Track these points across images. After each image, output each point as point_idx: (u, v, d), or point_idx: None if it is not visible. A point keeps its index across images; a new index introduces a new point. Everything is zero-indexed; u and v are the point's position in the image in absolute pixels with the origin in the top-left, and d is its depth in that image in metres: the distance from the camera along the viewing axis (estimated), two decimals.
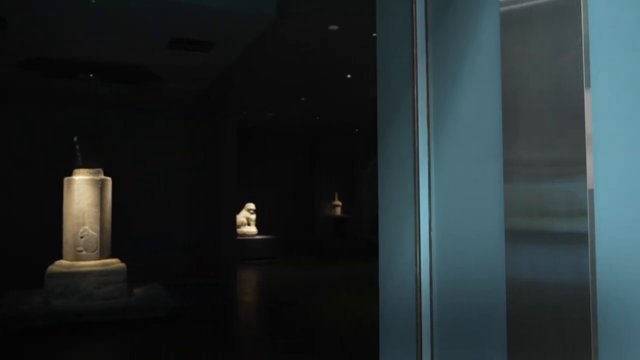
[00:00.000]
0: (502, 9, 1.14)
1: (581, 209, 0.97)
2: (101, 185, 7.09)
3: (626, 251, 1.05)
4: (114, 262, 7.04)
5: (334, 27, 5.66)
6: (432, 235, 1.41)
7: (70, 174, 7.15)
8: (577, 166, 0.98)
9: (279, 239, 13.27)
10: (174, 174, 10.06)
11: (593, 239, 0.97)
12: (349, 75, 7.97)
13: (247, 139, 14.14)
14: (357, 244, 14.85)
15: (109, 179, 7.28)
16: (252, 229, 13.44)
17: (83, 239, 6.90)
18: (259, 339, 6.06)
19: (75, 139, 7.15)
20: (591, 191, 0.97)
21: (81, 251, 6.90)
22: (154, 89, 8.01)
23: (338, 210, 16.10)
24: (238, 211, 13.19)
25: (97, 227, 6.99)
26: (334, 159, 15.94)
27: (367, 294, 7.42)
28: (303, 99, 9.99)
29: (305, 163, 15.75)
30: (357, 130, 14.19)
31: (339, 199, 16.11)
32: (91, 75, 7.25)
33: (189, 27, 5.09)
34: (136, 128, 9.90)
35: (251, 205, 13.60)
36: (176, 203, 10.02)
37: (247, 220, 13.48)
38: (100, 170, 7.23)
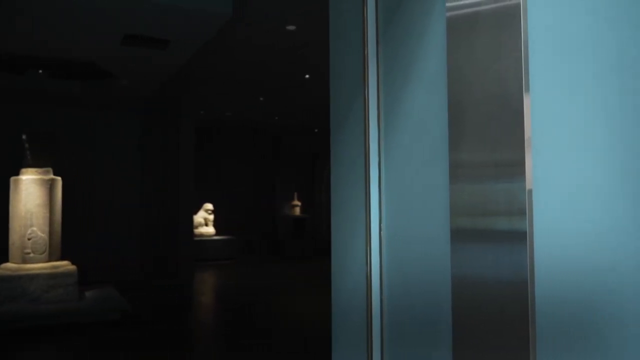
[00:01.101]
0: (449, 14, 1.17)
1: (521, 208, 1.01)
2: (50, 185, 6.85)
3: (563, 249, 1.09)
4: (64, 265, 6.82)
5: (291, 27, 5.66)
6: (382, 235, 1.42)
7: (17, 173, 6.88)
8: (517, 167, 1.02)
9: (237, 239, 13.16)
10: (129, 174, 9.82)
11: (532, 238, 1.00)
12: (307, 75, 7.98)
13: (205, 139, 13.96)
14: (316, 243, 14.89)
15: (59, 178, 7.05)
16: (210, 230, 13.28)
17: (31, 240, 6.66)
18: (216, 342, 5.99)
19: (23, 137, 6.88)
20: (530, 191, 1.01)
21: (29, 253, 6.65)
22: (108, 86, 7.80)
23: (297, 210, 16.10)
24: (196, 211, 13.01)
25: (46, 229, 6.75)
26: (294, 159, 15.93)
27: (326, 294, 7.46)
28: (262, 98, 9.94)
29: (265, 163, 15.67)
30: (316, 130, 14.23)
31: (299, 199, 16.11)
32: (40, 71, 6.99)
33: (143, 24, 4.99)
34: (89, 126, 9.62)
35: (209, 206, 13.44)
36: (131, 204, 9.79)
37: (204, 221, 13.31)
38: (50, 169, 6.99)
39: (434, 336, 1.25)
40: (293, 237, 15.52)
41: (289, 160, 15.91)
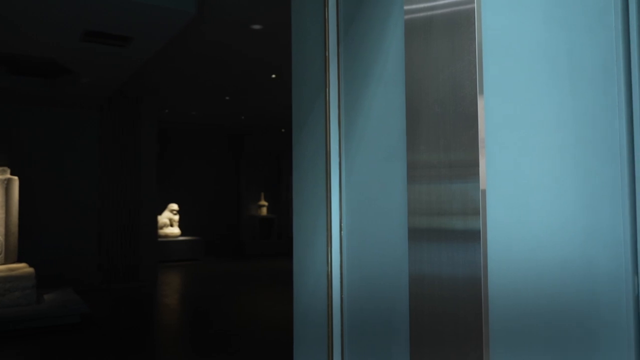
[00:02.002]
0: (406, 16, 1.19)
1: (474, 208, 1.03)
2: (7, 185, 6.63)
3: (516, 248, 1.13)
4: (21, 267, 6.61)
5: (257, 27, 5.64)
6: (342, 235, 1.44)
7: None
8: (470, 168, 1.04)
9: (203, 240, 13.02)
10: (89, 174, 9.59)
11: (485, 237, 1.03)
12: (273, 75, 7.96)
13: (170, 138, 13.75)
14: (283, 243, 14.86)
15: (16, 178, 6.83)
16: (175, 230, 13.09)
17: None
18: (178, 345, 5.91)
19: None
20: (483, 191, 1.03)
21: None
22: (67, 83, 7.60)
23: (264, 211, 16.03)
24: (160, 212, 12.80)
25: (2, 230, 6.53)
26: (260, 159, 15.86)
27: (291, 294, 7.45)
28: (227, 98, 9.86)
29: (231, 163, 15.55)
30: (283, 130, 14.20)
31: (265, 199, 16.05)
32: None
33: (104, 20, 4.88)
34: (48, 124, 9.35)
35: (174, 206, 13.25)
36: (92, 204, 9.56)
37: (169, 221, 13.12)
38: (6, 169, 6.76)
39: (393, 335, 1.27)
40: (260, 237, 15.45)
41: (256, 160, 15.83)
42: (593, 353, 1.32)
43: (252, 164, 15.80)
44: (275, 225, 15.85)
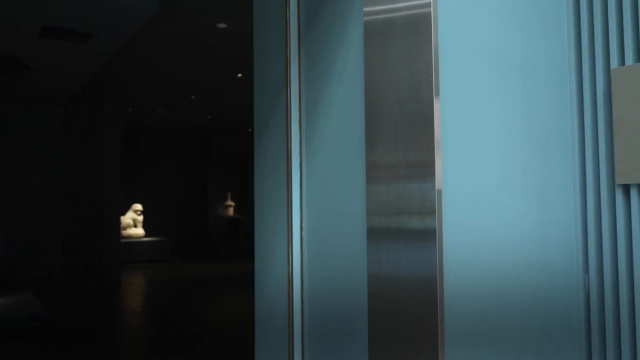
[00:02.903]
0: (366, 18, 1.20)
1: (431, 207, 1.05)
2: None
3: (471, 247, 1.15)
4: None
5: (222, 25, 5.59)
6: (303, 235, 1.44)
7: None
8: (427, 168, 1.06)
9: (168, 240, 12.81)
10: (51, 173, 9.32)
11: (441, 236, 1.05)
12: (239, 75, 7.90)
13: (135, 137, 13.49)
14: (250, 243, 14.77)
15: None
16: (139, 231, 12.85)
17: None
18: (141, 349, 5.81)
19: None
20: (439, 191, 1.05)
21: None
22: (25, 80, 7.37)
23: (231, 211, 15.89)
24: (124, 212, 12.55)
25: None
26: (227, 159, 15.72)
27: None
28: (193, 97, 9.74)
29: (197, 162, 15.36)
30: (250, 129, 14.11)
31: (232, 199, 15.92)
32: None
33: (62, 16, 4.75)
34: (9, 122, 9.04)
35: (138, 206, 13.00)
36: (53, 204, 9.30)
37: (133, 222, 12.86)
38: None
39: (353, 335, 1.28)
40: (226, 238, 15.31)
41: (222, 160, 15.68)
42: (547, 348, 1.35)
43: (219, 164, 15.64)
44: (243, 226, 15.74)
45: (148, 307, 8.07)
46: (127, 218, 12.82)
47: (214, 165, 15.59)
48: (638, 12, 1.34)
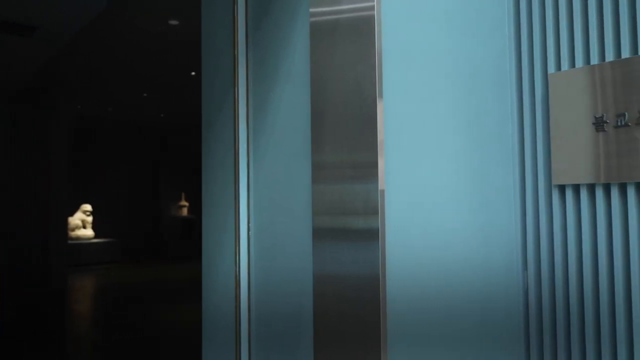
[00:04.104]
0: (312, 19, 1.21)
1: (374, 208, 1.06)
2: None
3: (415, 247, 1.17)
4: None
5: (174, 22, 5.49)
6: (250, 235, 1.43)
7: None
8: (370, 169, 1.07)
9: (119, 241, 12.47)
10: None
11: (383, 236, 1.06)
12: (193, 73, 7.78)
13: (84, 136, 13.07)
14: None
15: None
16: (89, 232, 12.45)
17: None
18: (89, 355, 5.63)
19: None
20: (382, 191, 1.07)
21: None
22: None
23: (185, 211, 15.62)
24: (72, 213, 12.13)
25: None
26: (181, 158, 15.44)
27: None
28: (145, 95, 9.52)
29: (150, 162, 15.01)
30: None
31: (186, 200, 15.65)
32: None
33: (6, 8, 4.55)
34: None
35: (87, 207, 12.60)
36: None
37: (82, 223, 12.46)
38: None
39: (299, 335, 1.28)
40: (180, 238, 15.04)
41: (176, 159, 15.39)
42: (490, 347, 1.40)
43: (173, 163, 15.34)
44: (197, 226, 15.50)
45: (97, 310, 7.84)
46: (76, 219, 12.39)
47: (168, 164, 15.28)
48: (573, 19, 1.40)
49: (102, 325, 6.69)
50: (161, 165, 15.24)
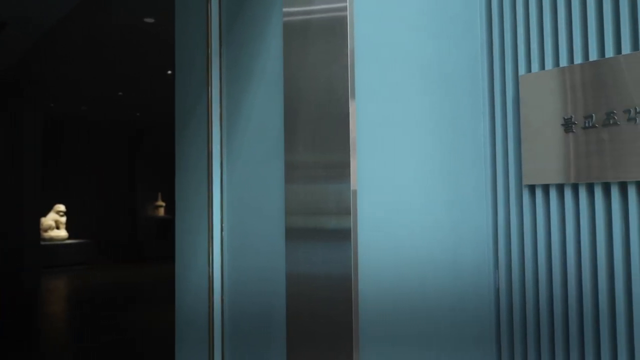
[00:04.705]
0: (285, 19, 1.20)
1: (346, 207, 1.07)
2: None
3: (387, 247, 1.18)
4: None
5: (149, 20, 5.42)
6: (223, 235, 1.42)
7: None
8: (343, 169, 1.07)
9: (94, 242, 12.27)
10: None
11: (356, 236, 1.07)
12: (169, 72, 7.70)
13: (58, 135, 12.82)
14: None
15: None
16: (62, 233, 12.23)
17: None
18: (58, 357, 5.53)
19: None
20: (355, 192, 1.07)
21: None
22: None
23: (161, 211, 15.45)
24: (45, 213, 11.90)
25: None
26: (157, 158, 15.26)
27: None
28: (120, 93, 9.38)
29: (126, 161, 14.81)
30: None
31: (163, 200, 15.48)
32: None
33: None
34: None
35: (60, 207, 12.36)
36: None
37: (55, 224, 12.22)
38: None
39: (273, 335, 1.28)
40: (156, 239, 14.88)
41: (153, 158, 15.21)
42: (462, 346, 1.41)
43: (149, 163, 15.16)
44: (173, 227, 15.33)
45: (69, 313, 7.70)
46: (49, 219, 12.16)
47: (144, 164, 15.10)
48: (543, 23, 1.42)
49: (74, 327, 6.58)
50: (137, 164, 15.05)
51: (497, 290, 1.50)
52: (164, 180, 15.54)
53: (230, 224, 1.41)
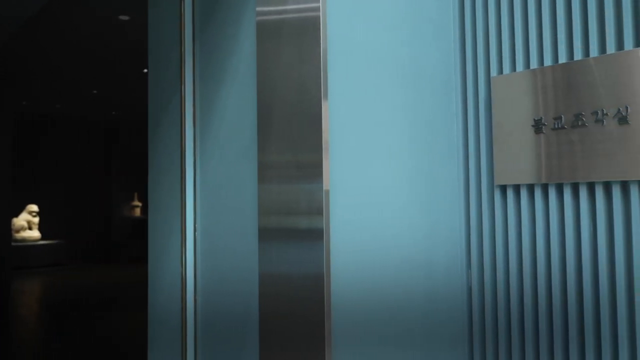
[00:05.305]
0: (258, 18, 1.20)
1: (319, 207, 1.07)
2: None
3: (360, 247, 1.18)
4: None
5: (124, 17, 5.35)
6: (197, 235, 1.41)
7: None
8: (315, 169, 1.07)
9: (68, 243, 12.05)
10: None
11: (328, 235, 1.07)
12: (145, 70, 7.60)
13: (31, 133, 12.56)
14: None
15: None
16: (35, 234, 11.98)
17: None
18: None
19: None
20: (327, 191, 1.07)
21: None
22: None
23: (137, 211, 15.25)
24: (17, 214, 11.65)
25: None
26: (134, 157, 15.05)
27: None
28: (95, 91, 9.24)
29: (101, 161, 14.58)
30: None
31: (139, 200, 15.28)
32: None
33: None
34: None
35: (33, 207, 12.11)
36: None
37: (28, 224, 11.97)
38: None
39: (245, 336, 1.27)
40: (132, 239, 14.68)
41: (129, 158, 15.01)
42: (435, 346, 1.42)
43: (126, 162, 14.95)
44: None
45: (40, 316, 7.55)
46: (21, 220, 11.91)
47: (120, 163, 14.88)
48: (514, 25, 1.44)
49: (44, 330, 6.45)
50: (113, 164, 14.83)
51: (470, 291, 1.51)
52: (141, 180, 15.33)
53: (203, 224, 1.40)
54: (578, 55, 1.34)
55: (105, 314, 7.07)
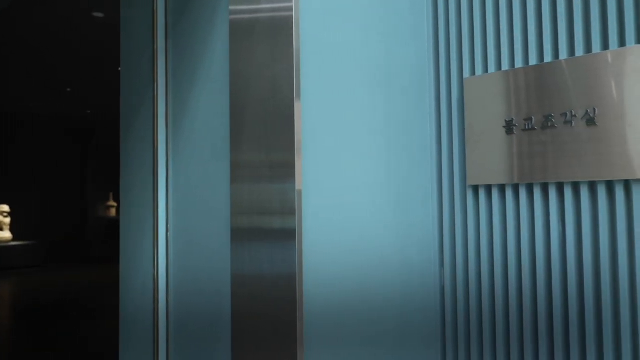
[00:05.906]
0: (231, 17, 1.19)
1: (291, 207, 1.06)
2: None
3: (333, 247, 1.18)
4: None
5: (98, 14, 5.27)
6: (169, 235, 1.39)
7: None
8: (288, 169, 1.07)
9: (41, 244, 11.81)
10: None
11: (300, 236, 1.07)
12: (120, 68, 7.50)
13: (2, 132, 12.28)
14: None
15: None
16: (6, 235, 11.70)
17: None
18: None
19: None
20: (299, 191, 1.07)
21: None
22: None
23: (113, 212, 15.03)
24: None
25: None
26: (109, 157, 14.82)
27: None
28: (69, 89, 9.07)
29: (76, 160, 14.33)
30: None
31: (114, 200, 15.06)
32: None
33: None
34: None
35: (4, 208, 11.84)
36: None
37: None
38: None
39: (217, 335, 1.27)
40: (107, 240, 14.46)
41: (104, 157, 14.77)
42: (407, 346, 1.43)
43: (100, 162, 14.72)
44: None
45: (13, 320, 7.39)
46: None
47: (95, 163, 14.64)
48: (486, 28, 1.46)
49: (16, 331, 6.31)
50: (88, 164, 14.58)
51: (443, 291, 1.53)
52: (116, 181, 15.10)
53: (175, 224, 1.39)
54: (548, 57, 1.36)
55: (78, 314, 6.96)
